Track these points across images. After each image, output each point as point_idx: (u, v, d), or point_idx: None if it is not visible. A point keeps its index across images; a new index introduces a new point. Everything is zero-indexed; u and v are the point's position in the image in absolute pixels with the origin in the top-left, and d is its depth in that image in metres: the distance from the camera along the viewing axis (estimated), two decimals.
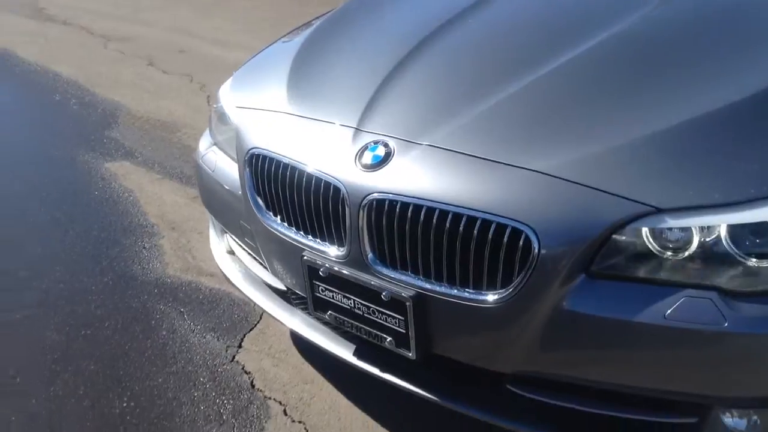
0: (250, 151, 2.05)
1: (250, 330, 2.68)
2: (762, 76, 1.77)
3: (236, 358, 2.54)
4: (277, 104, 2.13)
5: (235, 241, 2.39)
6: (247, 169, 2.06)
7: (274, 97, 2.16)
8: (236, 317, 2.75)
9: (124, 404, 2.34)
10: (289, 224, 1.97)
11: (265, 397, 2.36)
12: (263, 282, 2.29)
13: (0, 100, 5.64)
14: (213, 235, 2.58)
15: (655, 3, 2.15)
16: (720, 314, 1.46)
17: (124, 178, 3.97)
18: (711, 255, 1.51)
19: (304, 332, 2.12)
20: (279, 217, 2.01)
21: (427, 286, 1.72)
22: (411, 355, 1.82)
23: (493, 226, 1.59)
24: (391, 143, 1.81)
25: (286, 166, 1.93)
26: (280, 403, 2.33)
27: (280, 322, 2.19)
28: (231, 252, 2.49)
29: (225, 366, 2.50)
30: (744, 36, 2.00)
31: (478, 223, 1.61)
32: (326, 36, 2.47)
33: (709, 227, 1.51)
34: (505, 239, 1.58)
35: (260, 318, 2.73)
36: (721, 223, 1.50)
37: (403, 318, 1.78)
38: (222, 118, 2.31)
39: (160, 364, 2.52)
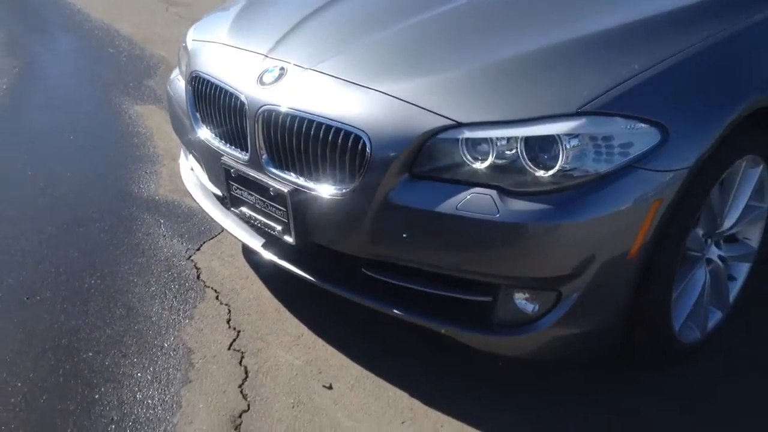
0: (192, 73, 2.51)
1: (211, 239, 3.15)
2: (566, 27, 2.14)
3: (192, 257, 3.02)
4: (218, 37, 2.58)
5: (193, 156, 2.86)
6: (189, 88, 2.52)
7: (218, 32, 2.61)
8: (202, 229, 3.23)
9: (92, 281, 2.86)
10: (213, 134, 2.42)
11: (205, 286, 2.82)
12: (210, 191, 2.75)
13: (63, 50, 6.33)
14: (182, 154, 3.06)
15: None
16: (495, 207, 1.83)
17: (148, 118, 4.52)
18: (504, 163, 1.87)
19: (231, 229, 2.56)
20: (209, 129, 2.46)
21: (300, 182, 2.14)
22: (292, 241, 2.24)
23: (342, 133, 2.00)
24: (287, 67, 2.23)
25: (212, 84, 2.38)
26: (215, 290, 2.79)
27: (216, 222, 2.64)
28: (192, 169, 2.96)
29: (181, 262, 2.98)
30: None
31: (332, 130, 2.02)
32: None
33: (508, 140, 1.87)
34: (349, 143, 1.99)
35: (222, 230, 3.19)
36: (506, 136, 1.85)
37: (284, 209, 2.20)
38: (185, 50, 2.78)
39: (129, 256, 3.02)
